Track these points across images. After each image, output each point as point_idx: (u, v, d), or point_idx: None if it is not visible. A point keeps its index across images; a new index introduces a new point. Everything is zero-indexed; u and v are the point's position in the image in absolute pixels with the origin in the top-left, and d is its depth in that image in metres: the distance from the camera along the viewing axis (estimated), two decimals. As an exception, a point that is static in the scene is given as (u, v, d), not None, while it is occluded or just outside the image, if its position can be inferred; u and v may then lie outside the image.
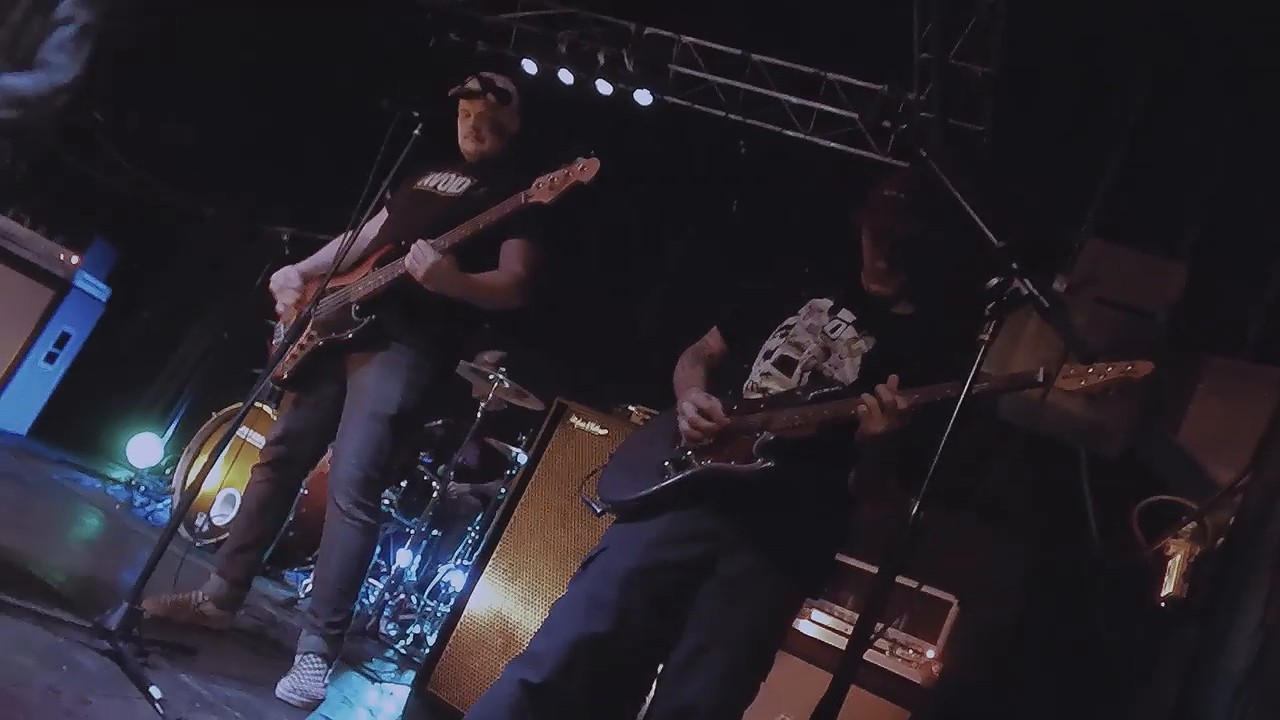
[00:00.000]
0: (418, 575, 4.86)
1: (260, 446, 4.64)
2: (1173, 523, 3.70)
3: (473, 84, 3.13)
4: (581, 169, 2.81)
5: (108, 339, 5.75)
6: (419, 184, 3.25)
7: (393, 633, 4.36)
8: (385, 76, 6.00)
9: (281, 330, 3.23)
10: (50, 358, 5.30)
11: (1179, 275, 4.45)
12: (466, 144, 3.25)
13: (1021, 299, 1.70)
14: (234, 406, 4.74)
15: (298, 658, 2.90)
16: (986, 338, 1.69)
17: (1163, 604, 3.52)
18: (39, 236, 4.99)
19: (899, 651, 3.09)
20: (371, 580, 4.68)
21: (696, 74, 6.04)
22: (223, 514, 4.46)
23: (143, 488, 5.13)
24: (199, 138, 6.20)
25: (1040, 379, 1.92)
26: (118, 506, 4.69)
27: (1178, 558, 3.64)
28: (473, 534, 4.96)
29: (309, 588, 4.17)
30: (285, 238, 5.50)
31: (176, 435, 5.67)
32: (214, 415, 4.82)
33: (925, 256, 2.24)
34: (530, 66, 6.34)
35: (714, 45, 5.97)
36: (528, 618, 3.35)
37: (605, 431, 3.53)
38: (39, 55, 2.46)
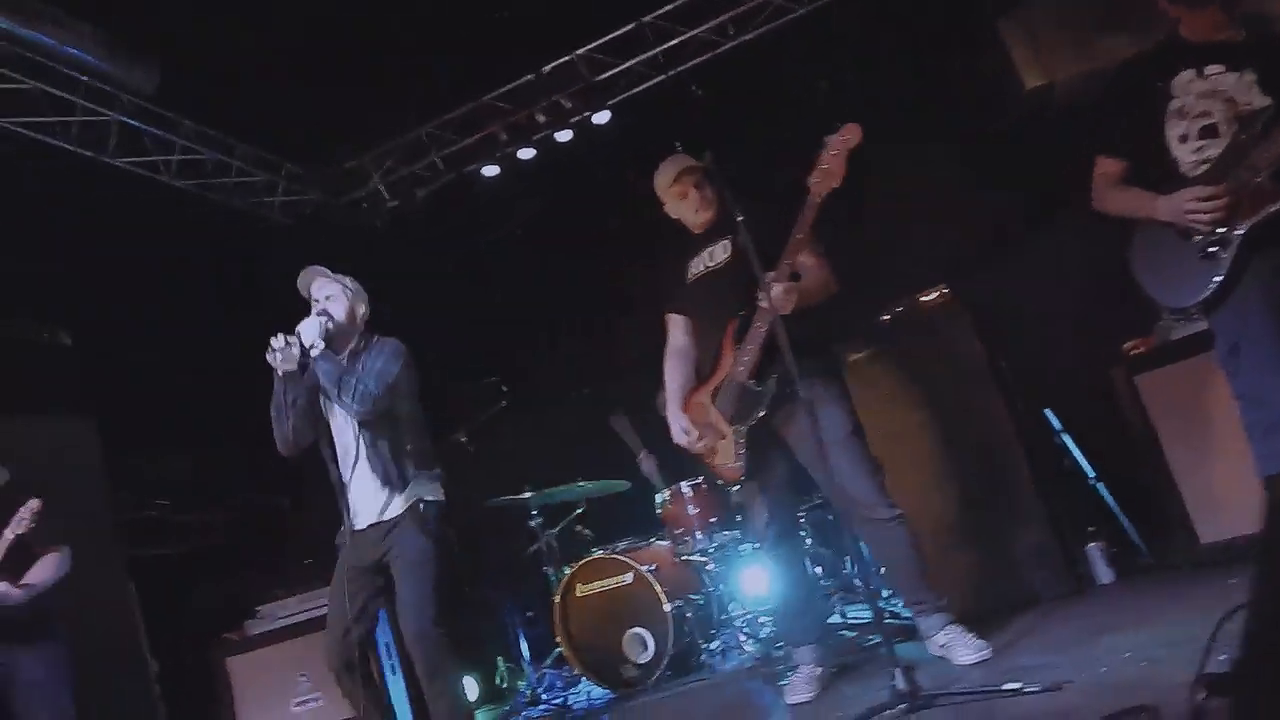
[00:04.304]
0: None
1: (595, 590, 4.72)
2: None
3: (688, 163, 3.41)
4: (844, 138, 2.91)
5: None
6: (692, 274, 3.48)
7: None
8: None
9: (700, 440, 3.37)
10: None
11: None
12: (700, 216, 3.48)
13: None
14: (591, 558, 4.80)
15: (939, 638, 3.17)
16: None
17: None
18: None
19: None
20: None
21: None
22: (642, 653, 4.51)
23: (543, 685, 5.19)
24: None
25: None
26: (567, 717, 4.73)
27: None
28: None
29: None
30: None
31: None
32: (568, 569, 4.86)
33: None
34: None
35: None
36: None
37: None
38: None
